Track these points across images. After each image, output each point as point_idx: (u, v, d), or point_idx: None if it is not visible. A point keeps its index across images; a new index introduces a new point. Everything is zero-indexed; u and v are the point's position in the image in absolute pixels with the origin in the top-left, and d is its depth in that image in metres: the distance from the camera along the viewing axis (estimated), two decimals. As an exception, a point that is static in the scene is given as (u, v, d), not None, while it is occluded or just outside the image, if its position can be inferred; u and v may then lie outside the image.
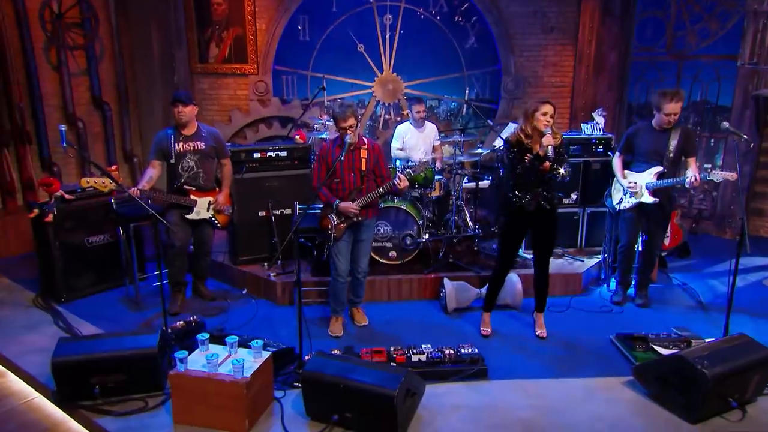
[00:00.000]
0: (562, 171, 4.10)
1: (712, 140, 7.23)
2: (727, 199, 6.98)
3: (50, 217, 4.90)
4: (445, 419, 3.43)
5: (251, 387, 3.21)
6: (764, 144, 6.78)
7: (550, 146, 4.01)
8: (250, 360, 3.34)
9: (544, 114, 4.03)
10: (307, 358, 3.82)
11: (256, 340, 3.43)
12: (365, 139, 4.40)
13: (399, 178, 4.29)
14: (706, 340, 3.92)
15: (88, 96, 7.11)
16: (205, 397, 3.23)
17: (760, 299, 5.21)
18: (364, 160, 4.34)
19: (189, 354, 3.37)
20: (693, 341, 4.11)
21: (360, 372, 3.25)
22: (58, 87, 6.83)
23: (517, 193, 4.21)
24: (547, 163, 4.05)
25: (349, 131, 4.19)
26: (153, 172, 4.67)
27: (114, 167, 5.64)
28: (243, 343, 3.56)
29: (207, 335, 3.49)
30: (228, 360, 3.35)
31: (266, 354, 3.44)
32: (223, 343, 3.54)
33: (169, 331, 4.07)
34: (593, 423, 3.43)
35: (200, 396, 3.24)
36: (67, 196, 5.05)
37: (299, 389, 3.61)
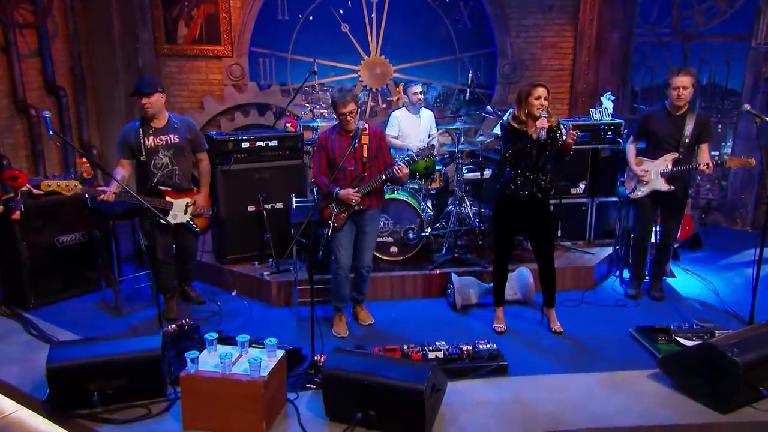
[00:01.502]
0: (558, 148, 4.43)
1: (720, 126, 7.67)
2: (737, 188, 7.42)
3: (17, 215, 4.89)
4: (469, 415, 3.68)
5: (269, 386, 3.40)
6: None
7: (543, 129, 4.30)
8: (265, 359, 3.52)
9: (537, 98, 4.33)
10: (317, 358, 4.03)
11: (269, 339, 3.61)
12: (366, 126, 4.66)
13: (398, 166, 4.55)
14: (729, 331, 4.26)
15: (40, 80, 7.13)
16: (219, 398, 3.40)
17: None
18: (365, 146, 4.58)
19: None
20: (716, 332, 4.44)
21: (383, 368, 3.47)
22: (6, 70, 6.83)
23: (509, 179, 4.52)
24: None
25: (349, 117, 4.44)
26: (123, 173, 4.65)
27: (83, 160, 5.70)
28: (251, 343, 3.73)
29: (215, 334, 3.66)
30: (241, 360, 3.53)
31: (280, 353, 3.62)
32: (230, 344, 3.72)
33: (162, 334, 4.21)
34: (621, 416, 3.71)
35: (214, 398, 3.40)
36: (34, 191, 4.98)
37: (313, 390, 3.84)
